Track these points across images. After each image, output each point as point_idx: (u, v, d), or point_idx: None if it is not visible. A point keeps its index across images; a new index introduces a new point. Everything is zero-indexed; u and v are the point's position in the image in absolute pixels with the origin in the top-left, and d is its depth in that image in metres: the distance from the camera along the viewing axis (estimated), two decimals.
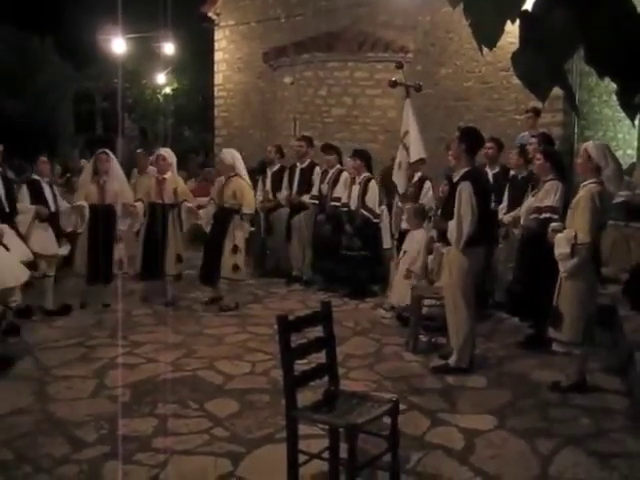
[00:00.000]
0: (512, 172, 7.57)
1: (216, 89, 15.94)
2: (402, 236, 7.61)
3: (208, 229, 8.10)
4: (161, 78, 19.15)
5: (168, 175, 7.98)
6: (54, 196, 7.53)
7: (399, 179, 7.53)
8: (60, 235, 7.52)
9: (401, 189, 7.51)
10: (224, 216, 7.83)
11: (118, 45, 15.98)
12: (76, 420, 4.70)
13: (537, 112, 8.50)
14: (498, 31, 1.83)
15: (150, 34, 16.74)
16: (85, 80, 24.82)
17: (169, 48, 16.83)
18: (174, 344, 6.48)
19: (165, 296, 8.05)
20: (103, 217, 7.64)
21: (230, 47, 15.45)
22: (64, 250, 7.63)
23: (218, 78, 15.83)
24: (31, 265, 6.54)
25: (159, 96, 20.37)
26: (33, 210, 7.12)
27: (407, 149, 7.41)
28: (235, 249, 7.74)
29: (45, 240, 7.26)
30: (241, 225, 7.88)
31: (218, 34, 15.69)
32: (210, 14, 15.60)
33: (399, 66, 7.90)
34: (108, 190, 7.72)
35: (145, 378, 5.55)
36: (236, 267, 7.78)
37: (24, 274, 6.10)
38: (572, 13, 1.68)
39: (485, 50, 1.91)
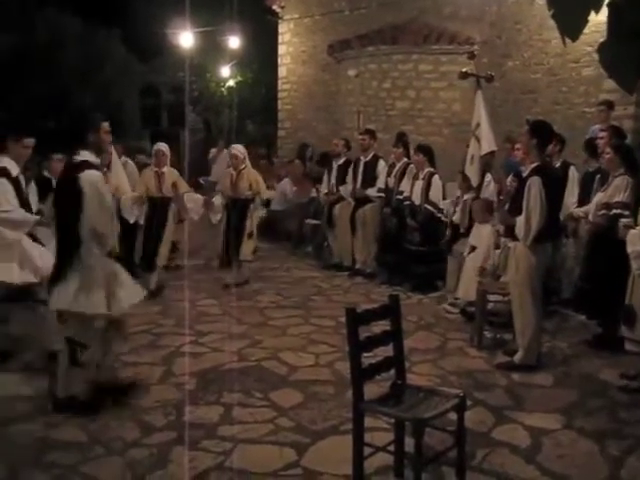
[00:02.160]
0: (572, 167, 7.40)
1: (280, 82, 16.05)
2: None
3: (216, 220, 8.78)
4: (225, 71, 19.32)
5: (165, 169, 8.40)
6: None
7: (472, 172, 7.42)
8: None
9: (474, 182, 7.39)
10: (242, 206, 8.52)
11: (186, 39, 16.18)
12: (145, 405, 4.82)
13: (610, 105, 8.17)
14: (582, 22, 1.80)
15: (216, 27, 16.93)
16: (150, 73, 25.22)
17: (234, 41, 16.99)
18: (238, 334, 6.57)
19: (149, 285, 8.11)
20: None
21: (294, 40, 15.53)
22: None
23: (282, 71, 15.94)
24: None
25: (223, 89, 20.57)
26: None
27: (479, 141, 7.30)
28: (251, 234, 8.55)
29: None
30: (257, 211, 8.78)
31: (282, 27, 15.80)
32: (274, 7, 15.72)
33: (471, 57, 7.79)
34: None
35: (210, 367, 5.65)
36: (255, 250, 8.73)
37: None
38: None
39: (566, 41, 1.88)
